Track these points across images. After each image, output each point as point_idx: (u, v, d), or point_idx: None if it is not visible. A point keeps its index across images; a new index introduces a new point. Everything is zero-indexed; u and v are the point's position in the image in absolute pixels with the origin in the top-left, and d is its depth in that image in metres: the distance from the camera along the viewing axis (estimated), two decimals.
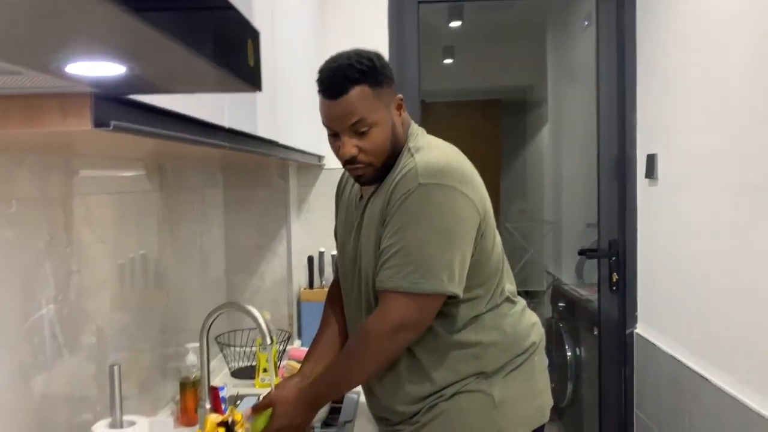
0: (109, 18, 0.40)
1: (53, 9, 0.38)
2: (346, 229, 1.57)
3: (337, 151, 1.45)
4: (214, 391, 1.62)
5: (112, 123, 0.72)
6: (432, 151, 1.43)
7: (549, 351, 3.67)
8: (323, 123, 1.44)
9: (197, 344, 1.65)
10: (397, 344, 1.40)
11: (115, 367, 1.24)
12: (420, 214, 1.35)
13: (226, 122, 1.20)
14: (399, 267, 1.34)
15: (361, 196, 1.53)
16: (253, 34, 0.68)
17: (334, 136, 1.44)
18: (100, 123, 0.71)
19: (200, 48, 0.50)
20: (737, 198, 1.84)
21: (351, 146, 1.40)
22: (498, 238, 1.52)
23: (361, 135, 1.40)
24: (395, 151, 1.44)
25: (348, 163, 1.43)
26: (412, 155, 1.41)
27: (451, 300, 1.40)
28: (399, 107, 1.46)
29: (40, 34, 0.43)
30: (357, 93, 1.37)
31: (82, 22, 0.40)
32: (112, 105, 0.74)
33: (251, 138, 1.43)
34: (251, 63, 0.65)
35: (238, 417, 1.26)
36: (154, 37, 0.44)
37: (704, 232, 2.05)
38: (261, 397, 1.53)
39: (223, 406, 1.63)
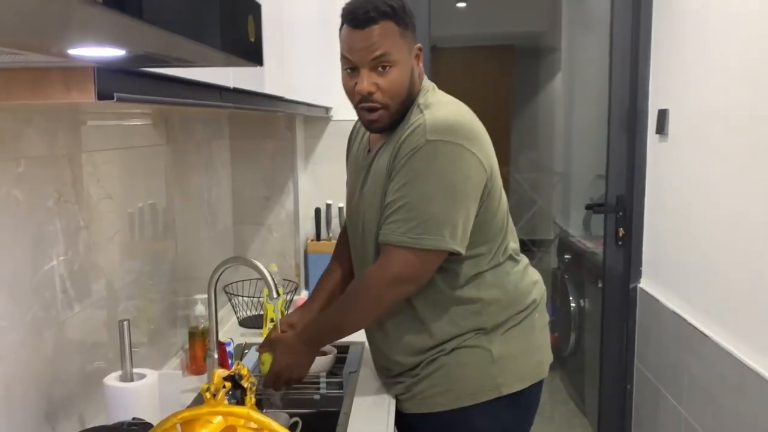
0: (109, 19, 0.40)
1: (53, 8, 0.38)
2: (354, 181, 1.58)
3: (352, 88, 1.41)
4: (221, 347, 1.66)
5: (116, 95, 0.73)
6: (441, 108, 1.41)
7: (554, 301, 3.70)
8: (343, 54, 1.40)
9: (206, 296, 1.68)
10: (395, 296, 1.42)
11: (125, 323, 1.27)
12: (427, 171, 1.35)
13: (231, 82, 1.20)
14: (402, 222, 1.36)
15: (369, 150, 1.53)
16: (254, 9, 0.67)
17: (352, 70, 1.41)
18: (103, 95, 0.72)
19: (204, 38, 0.50)
20: (747, 157, 1.83)
21: (369, 82, 1.38)
22: (504, 197, 1.52)
23: (380, 73, 1.38)
24: (410, 99, 1.43)
25: (363, 101, 1.40)
26: (422, 111, 1.40)
27: (454, 256, 1.41)
28: (417, 57, 1.45)
29: (39, 26, 0.43)
30: (385, 26, 1.36)
31: (82, 21, 0.40)
32: (115, 76, 0.74)
33: (257, 95, 1.43)
34: (252, 39, 0.65)
35: (244, 371, 1.29)
36: (157, 32, 0.44)
37: (712, 190, 2.04)
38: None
39: (229, 361, 1.67)
